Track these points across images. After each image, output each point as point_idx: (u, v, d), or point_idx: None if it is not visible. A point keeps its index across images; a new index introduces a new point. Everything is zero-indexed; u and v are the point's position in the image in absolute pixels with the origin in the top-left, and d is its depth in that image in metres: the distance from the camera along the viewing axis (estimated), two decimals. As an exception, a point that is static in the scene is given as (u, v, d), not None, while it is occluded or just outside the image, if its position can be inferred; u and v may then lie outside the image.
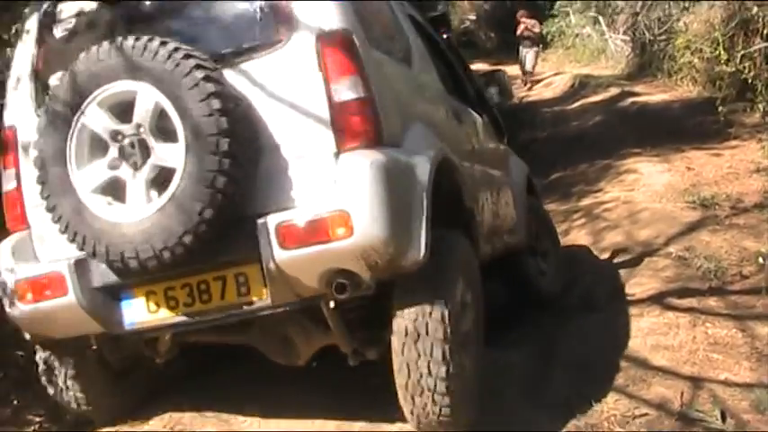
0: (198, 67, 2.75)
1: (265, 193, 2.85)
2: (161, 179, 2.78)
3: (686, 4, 12.86)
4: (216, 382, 3.85)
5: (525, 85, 16.16)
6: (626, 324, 4.32)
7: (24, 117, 3.21)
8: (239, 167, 2.75)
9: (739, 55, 8.65)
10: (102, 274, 2.96)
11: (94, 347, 3.22)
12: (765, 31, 9.12)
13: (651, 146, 8.81)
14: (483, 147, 4.54)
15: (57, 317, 3.03)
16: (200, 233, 2.71)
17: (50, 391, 3.47)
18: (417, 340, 2.87)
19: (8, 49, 5.17)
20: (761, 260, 4.90)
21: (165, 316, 2.97)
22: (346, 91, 2.85)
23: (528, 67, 16.23)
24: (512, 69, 14.49)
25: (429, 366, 2.87)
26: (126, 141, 2.81)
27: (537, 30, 16.52)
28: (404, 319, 2.90)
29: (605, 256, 5.92)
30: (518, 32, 16.28)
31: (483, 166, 4.26)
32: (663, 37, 13.60)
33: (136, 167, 2.80)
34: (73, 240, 2.86)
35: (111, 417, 3.59)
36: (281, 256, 2.75)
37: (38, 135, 2.94)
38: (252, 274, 2.85)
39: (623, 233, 6.19)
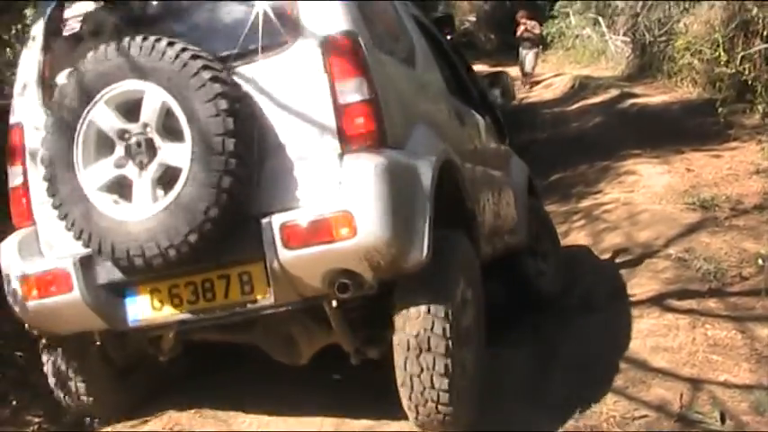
0: (205, 67, 2.79)
1: (270, 193, 2.88)
2: (167, 178, 2.81)
3: (686, 6, 12.88)
4: (215, 382, 3.86)
5: (525, 86, 16.15)
6: (625, 325, 4.32)
7: (31, 115, 3.24)
8: (245, 168, 2.79)
9: (739, 56, 8.66)
10: (107, 271, 2.99)
11: (98, 343, 3.24)
12: (765, 33, 9.14)
13: (651, 147, 8.80)
14: (485, 148, 4.56)
15: (61, 313, 3.06)
16: (206, 232, 2.75)
17: (52, 382, 3.48)
18: (418, 339, 2.89)
19: (8, 50, 5.19)
20: (760, 262, 4.90)
21: (168, 313, 2.99)
22: (351, 93, 2.88)
23: (528, 68, 16.22)
24: (511, 71, 14.45)
25: (430, 365, 2.89)
26: (133, 140, 2.85)
27: (537, 31, 16.51)
28: (405, 319, 2.92)
29: (605, 256, 5.92)
30: (518, 33, 16.27)
31: (485, 166, 4.28)
32: (663, 38, 13.60)
33: (142, 166, 2.84)
34: (79, 238, 2.89)
35: (112, 414, 3.62)
36: (284, 255, 2.78)
37: (45, 133, 2.97)
38: (256, 273, 2.87)
39: (623, 234, 6.19)
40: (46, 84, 3.24)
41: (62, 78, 3.05)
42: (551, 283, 5.19)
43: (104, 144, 2.89)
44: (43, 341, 3.43)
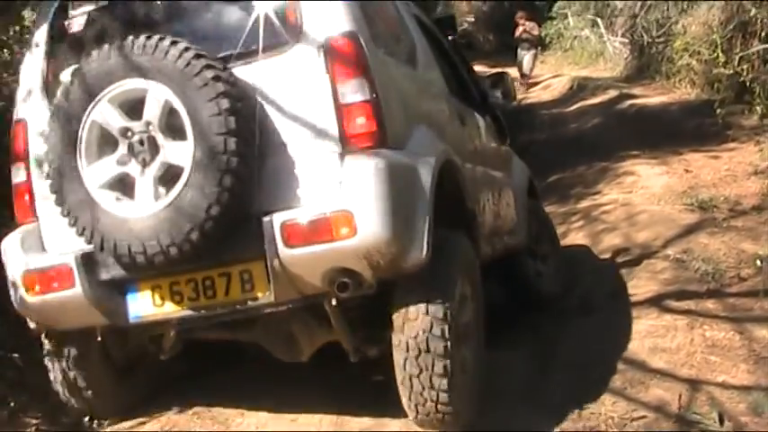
0: (208, 66, 2.81)
1: (271, 192, 2.90)
2: (169, 176, 2.84)
3: (684, 7, 12.88)
4: (214, 381, 3.86)
5: (522, 87, 16.14)
6: (624, 326, 4.32)
7: (35, 114, 3.26)
8: (246, 166, 2.81)
9: (737, 57, 8.67)
10: (108, 268, 3.01)
11: (99, 338, 3.26)
12: (763, 34, 9.16)
13: (649, 148, 8.81)
14: (485, 148, 4.58)
15: (63, 308, 3.09)
16: (207, 230, 2.77)
17: (54, 379, 3.50)
18: (418, 340, 2.90)
19: (5, 51, 5.19)
20: (759, 263, 4.91)
21: (169, 310, 3.01)
22: (352, 93, 2.90)
23: (525, 69, 16.21)
24: (510, 71, 14.44)
25: (429, 365, 2.91)
26: (135, 138, 2.87)
27: (535, 32, 16.50)
28: (404, 319, 2.94)
29: (604, 257, 5.91)
30: (516, 34, 16.27)
31: (485, 167, 4.29)
32: (661, 39, 13.61)
33: (144, 164, 2.86)
34: (81, 234, 2.92)
35: (111, 413, 3.64)
36: (285, 253, 2.80)
37: (49, 130, 2.99)
38: (256, 271, 2.89)
39: (621, 235, 6.19)
40: (50, 90, 3.26)
41: (66, 76, 3.08)
42: (551, 284, 5.19)
43: (107, 142, 2.92)
44: (45, 340, 3.45)
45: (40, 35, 3.39)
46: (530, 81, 16.39)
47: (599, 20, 18.18)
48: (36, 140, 3.19)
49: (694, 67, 11.48)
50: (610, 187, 7.87)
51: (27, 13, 5.46)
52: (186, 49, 2.83)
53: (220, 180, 2.74)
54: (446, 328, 2.90)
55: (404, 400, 3.02)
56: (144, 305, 3.04)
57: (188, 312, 3.00)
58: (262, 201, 2.89)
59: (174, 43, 2.84)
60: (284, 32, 3.00)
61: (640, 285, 4.99)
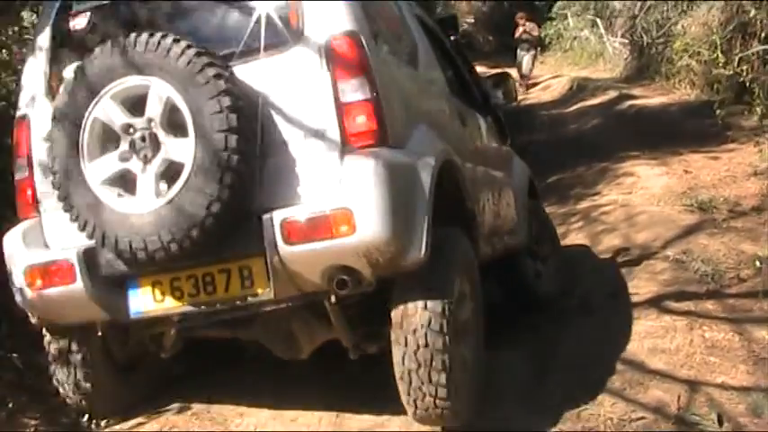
0: (210, 64, 2.82)
1: (272, 189, 2.92)
2: (170, 173, 2.85)
3: (684, 7, 12.89)
4: (214, 381, 3.87)
5: (522, 87, 16.13)
6: (623, 327, 4.31)
7: (37, 109, 3.29)
8: (247, 164, 2.83)
9: (737, 58, 8.66)
10: (109, 263, 3.03)
11: (99, 333, 3.27)
12: (763, 34, 9.16)
13: (649, 149, 8.81)
14: (486, 148, 4.59)
15: (64, 303, 3.11)
16: (207, 227, 2.78)
17: (54, 374, 3.51)
18: (416, 335, 2.92)
19: (5, 51, 5.19)
20: (758, 263, 4.90)
21: (170, 306, 3.03)
22: (353, 92, 2.92)
23: (525, 70, 16.21)
24: (510, 72, 14.46)
25: (428, 360, 2.92)
26: (137, 135, 2.88)
27: (535, 33, 16.51)
28: (403, 315, 2.96)
29: (604, 257, 5.91)
30: (516, 35, 16.27)
31: (485, 167, 4.30)
32: (661, 40, 13.63)
33: (146, 161, 2.88)
34: (83, 230, 2.94)
35: (111, 411, 3.65)
36: (285, 250, 2.82)
37: (52, 126, 3.01)
38: (256, 267, 2.90)
39: (621, 236, 6.19)
40: (53, 87, 3.28)
41: (68, 73, 3.09)
42: (550, 284, 5.19)
43: (109, 138, 2.94)
44: (47, 338, 3.46)
45: (43, 31, 3.41)
46: (529, 82, 16.40)
47: (599, 20, 18.21)
48: (38, 137, 3.21)
49: (694, 68, 11.50)
50: (609, 188, 7.87)
51: (26, 14, 5.46)
52: (188, 46, 2.84)
53: (221, 177, 2.76)
54: (444, 323, 2.92)
55: (403, 396, 3.03)
56: (144, 301, 3.05)
57: (188, 308, 3.01)
58: (262, 198, 2.91)
59: (176, 41, 2.85)
60: (285, 32, 3.02)
61: (640, 286, 4.99)
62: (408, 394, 3.00)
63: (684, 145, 8.67)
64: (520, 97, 14.39)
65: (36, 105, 3.31)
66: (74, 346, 3.42)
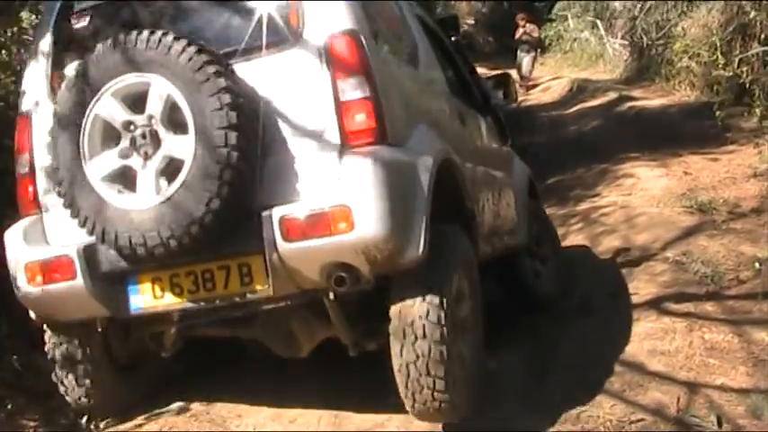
0: (210, 62, 2.84)
1: (271, 187, 2.93)
2: (170, 170, 2.86)
3: (684, 9, 12.90)
4: (213, 381, 3.87)
5: (521, 89, 16.13)
6: (623, 328, 4.31)
7: (39, 106, 3.30)
8: (246, 161, 2.84)
9: (737, 59, 8.68)
10: (109, 260, 3.04)
11: (100, 330, 3.28)
12: (763, 36, 9.17)
13: (649, 150, 8.81)
14: (486, 148, 4.60)
15: (64, 300, 3.12)
16: (207, 223, 2.79)
17: (55, 375, 3.51)
18: (414, 332, 2.93)
19: (3, 51, 5.18)
20: (758, 265, 4.91)
21: (169, 302, 3.04)
22: (352, 90, 2.93)
23: (524, 71, 16.18)
24: (510, 73, 14.46)
25: (425, 352, 2.93)
26: (138, 132, 2.90)
27: (535, 34, 16.49)
28: (401, 312, 2.96)
29: (604, 258, 5.91)
30: (516, 36, 16.26)
31: (485, 167, 4.30)
32: (661, 41, 13.63)
33: (146, 157, 2.89)
34: (83, 225, 2.95)
35: (111, 411, 3.65)
36: (283, 247, 2.83)
37: (53, 123, 3.02)
38: (255, 264, 2.92)
39: (621, 238, 6.18)
40: (55, 84, 3.29)
41: (70, 71, 3.11)
42: (550, 285, 5.19)
43: (110, 135, 2.95)
44: (47, 336, 3.47)
45: (44, 29, 3.43)
46: (529, 83, 16.37)
47: (599, 22, 18.22)
48: (40, 134, 3.22)
49: (694, 70, 11.50)
50: (609, 189, 7.86)
51: (25, 14, 5.46)
52: (189, 44, 2.86)
53: (220, 174, 2.77)
54: (442, 314, 2.93)
55: (401, 389, 3.03)
56: (144, 297, 3.07)
57: (187, 305, 3.03)
58: (262, 196, 2.92)
59: (176, 39, 2.87)
60: (285, 31, 3.04)
61: (639, 287, 4.99)
62: (406, 387, 3.00)
63: (684, 146, 8.67)
64: (520, 98, 14.42)
65: (37, 103, 3.32)
66: (74, 344, 3.42)
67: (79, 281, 3.04)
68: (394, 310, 2.98)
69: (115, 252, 2.98)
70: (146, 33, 2.89)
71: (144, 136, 2.88)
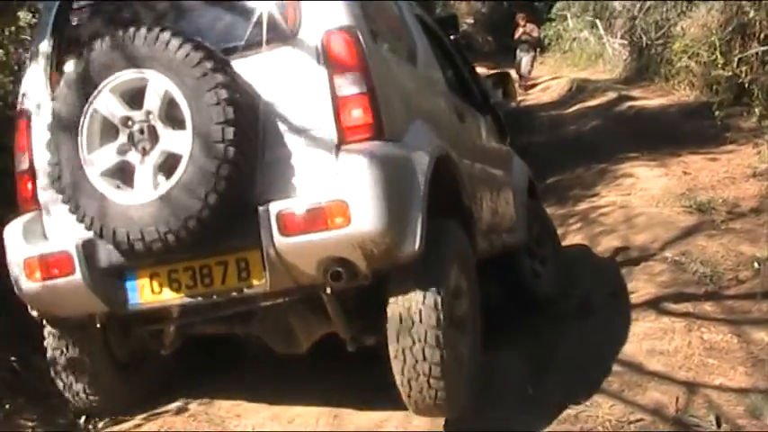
0: (207, 57, 2.85)
1: (268, 182, 2.94)
2: (168, 165, 2.87)
3: (683, 8, 12.91)
4: (213, 380, 3.88)
5: (521, 88, 16.12)
6: (622, 328, 4.31)
7: (38, 103, 3.31)
8: (244, 156, 2.84)
9: (736, 59, 8.69)
10: (108, 255, 3.05)
11: (99, 326, 3.28)
12: (762, 36, 9.17)
13: (648, 150, 8.81)
14: (485, 146, 4.61)
15: (63, 295, 3.13)
16: (204, 218, 2.80)
17: (54, 374, 3.51)
18: (411, 327, 2.93)
19: (1, 51, 5.18)
20: (757, 265, 4.91)
21: (167, 297, 3.05)
22: (349, 86, 2.94)
23: (524, 70, 16.20)
24: (509, 72, 14.46)
25: (423, 352, 2.93)
26: (136, 127, 2.91)
27: (535, 34, 16.51)
28: (398, 307, 2.97)
29: (604, 258, 5.91)
30: (516, 35, 16.26)
31: (484, 164, 4.31)
32: (660, 41, 13.64)
33: (144, 153, 2.90)
34: (81, 221, 2.96)
35: (111, 410, 3.65)
36: (280, 242, 2.83)
37: (51, 119, 3.03)
38: (253, 259, 2.92)
39: (620, 237, 6.18)
40: (53, 81, 3.28)
41: (69, 67, 3.11)
42: (550, 285, 5.19)
43: (108, 131, 2.95)
44: (47, 329, 3.47)
45: (44, 26, 3.44)
46: (528, 83, 16.38)
47: (598, 21, 18.22)
48: (39, 130, 3.23)
49: (693, 69, 11.50)
50: (608, 189, 7.86)
51: (23, 14, 5.45)
52: (186, 40, 2.87)
53: (218, 169, 2.77)
54: (440, 309, 2.93)
55: (397, 377, 3.03)
56: (142, 292, 3.08)
57: (186, 300, 3.03)
58: (259, 191, 2.93)
59: (174, 35, 2.88)
60: (283, 27, 3.05)
61: (638, 287, 4.99)
62: (402, 374, 3.00)
63: (683, 146, 8.67)
64: (519, 98, 14.43)
65: (36, 100, 3.33)
66: (73, 342, 3.43)
67: (78, 276, 3.05)
68: (391, 312, 2.99)
69: (113, 247, 2.99)
70: (143, 29, 2.90)
71: (142, 131, 2.89)
